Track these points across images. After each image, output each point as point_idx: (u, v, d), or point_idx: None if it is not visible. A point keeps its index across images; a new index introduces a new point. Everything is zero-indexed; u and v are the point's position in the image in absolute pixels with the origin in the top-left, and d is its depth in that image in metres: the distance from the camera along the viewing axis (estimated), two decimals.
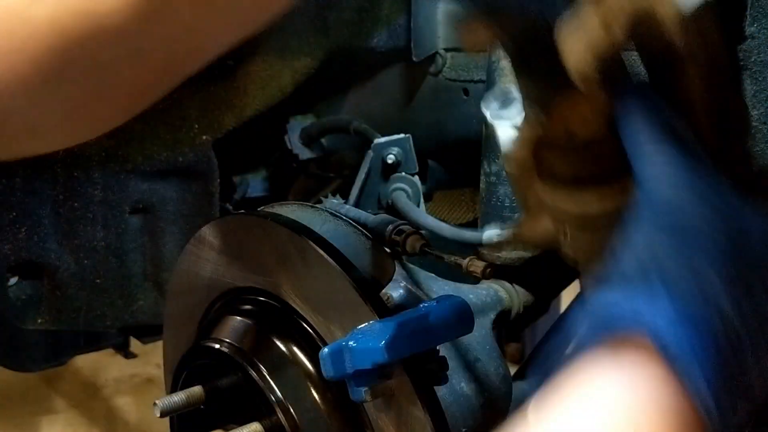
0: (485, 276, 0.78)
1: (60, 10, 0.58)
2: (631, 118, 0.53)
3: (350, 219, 0.86)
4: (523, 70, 0.57)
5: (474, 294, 0.91)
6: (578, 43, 0.50)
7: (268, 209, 0.88)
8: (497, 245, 0.88)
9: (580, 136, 0.56)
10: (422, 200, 1.14)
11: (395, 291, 0.85)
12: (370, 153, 1.11)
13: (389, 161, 1.11)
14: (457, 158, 1.33)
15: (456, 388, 0.84)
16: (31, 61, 0.60)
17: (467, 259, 0.81)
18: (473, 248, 0.93)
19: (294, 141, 1.39)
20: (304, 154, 1.39)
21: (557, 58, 0.52)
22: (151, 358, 2.93)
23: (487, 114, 0.73)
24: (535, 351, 1.09)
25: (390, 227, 0.87)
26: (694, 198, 0.50)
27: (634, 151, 0.53)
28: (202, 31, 0.60)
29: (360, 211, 0.94)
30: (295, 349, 0.79)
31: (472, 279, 0.92)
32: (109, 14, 0.57)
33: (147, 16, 0.57)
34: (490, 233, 0.88)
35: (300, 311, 0.80)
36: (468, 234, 0.89)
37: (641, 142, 0.53)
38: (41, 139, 0.69)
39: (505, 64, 0.87)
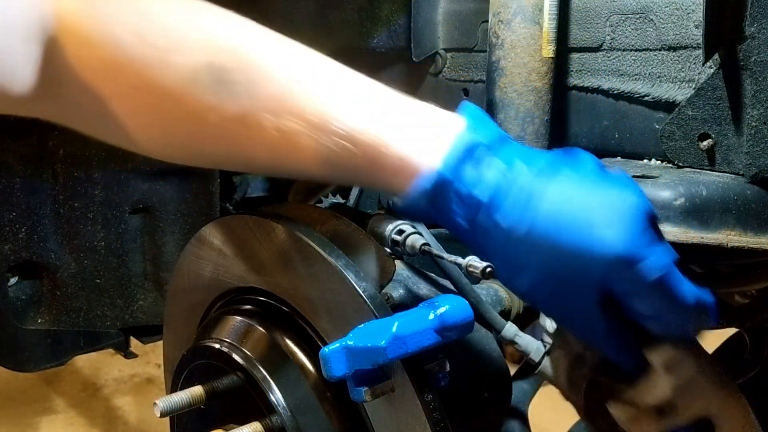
0: (485, 276, 0.78)
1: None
2: None
3: (350, 219, 0.86)
4: None
5: None
6: None
7: (268, 209, 0.88)
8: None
9: None
10: None
11: (395, 291, 0.85)
12: None
13: None
14: None
15: (456, 388, 0.84)
16: None
17: (467, 258, 0.81)
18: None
19: None
20: None
21: None
22: (151, 358, 2.93)
23: None
24: None
25: (390, 227, 0.87)
26: None
27: None
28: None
29: (360, 211, 0.94)
30: (295, 349, 0.79)
31: (472, 279, 0.92)
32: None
33: None
34: (511, 330, 0.90)
35: (300, 311, 0.79)
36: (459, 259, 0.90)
37: None
38: None
39: None
